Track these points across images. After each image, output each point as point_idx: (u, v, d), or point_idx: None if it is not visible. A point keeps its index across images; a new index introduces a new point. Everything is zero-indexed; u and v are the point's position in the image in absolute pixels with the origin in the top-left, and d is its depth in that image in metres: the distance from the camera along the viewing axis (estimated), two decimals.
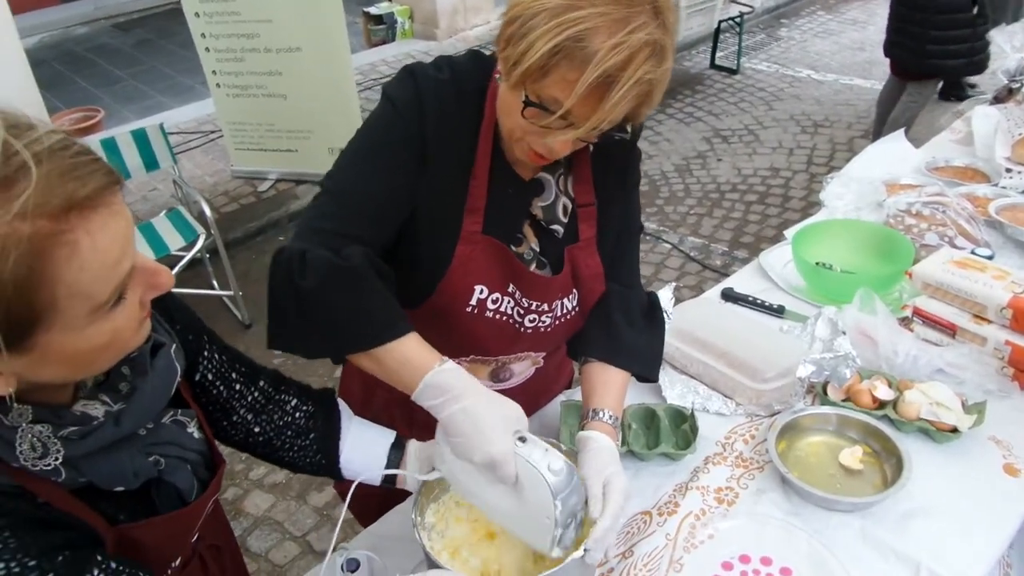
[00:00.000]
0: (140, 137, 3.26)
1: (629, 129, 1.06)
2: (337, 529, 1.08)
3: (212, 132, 5.41)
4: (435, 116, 1.09)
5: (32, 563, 0.73)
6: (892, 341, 1.53)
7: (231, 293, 3.66)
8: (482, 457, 0.94)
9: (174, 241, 3.39)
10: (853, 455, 1.36)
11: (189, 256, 3.40)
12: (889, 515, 1.26)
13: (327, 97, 4.39)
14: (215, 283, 3.82)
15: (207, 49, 4.43)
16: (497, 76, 1.06)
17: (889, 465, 1.35)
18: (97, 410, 0.81)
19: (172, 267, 3.37)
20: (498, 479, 0.96)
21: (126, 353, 0.79)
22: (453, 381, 0.99)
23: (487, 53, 1.15)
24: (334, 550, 1.07)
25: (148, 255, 3.35)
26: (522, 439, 0.96)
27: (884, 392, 1.45)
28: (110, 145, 3.20)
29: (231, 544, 1.29)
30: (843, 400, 1.47)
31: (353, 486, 1.09)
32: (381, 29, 7.18)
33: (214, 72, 4.52)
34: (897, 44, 3.96)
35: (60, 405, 0.79)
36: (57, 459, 0.75)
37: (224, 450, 1.07)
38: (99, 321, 0.70)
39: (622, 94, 0.92)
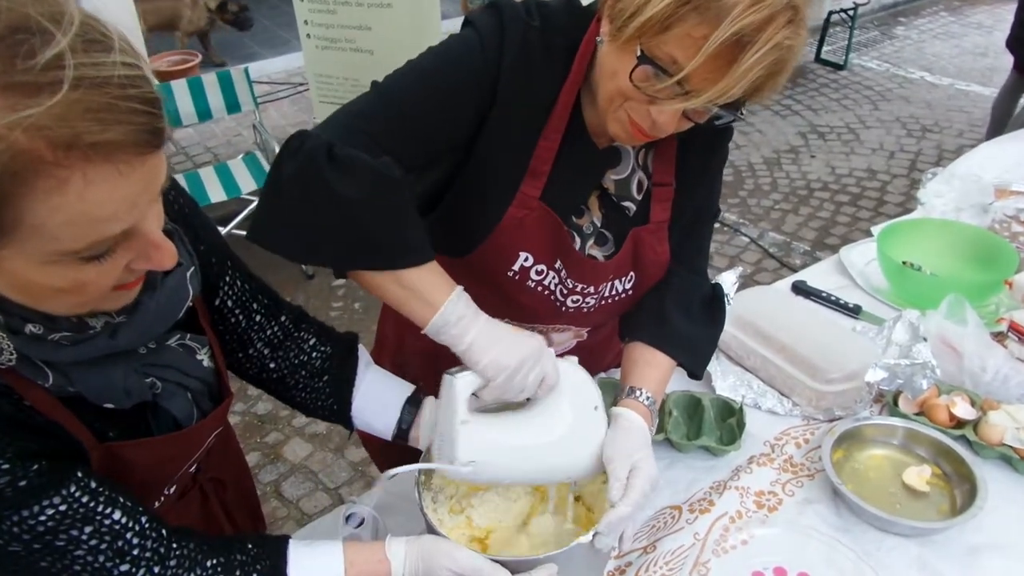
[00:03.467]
0: (224, 79, 3.31)
1: (743, 112, 0.92)
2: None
3: (300, 84, 5.48)
4: (516, 64, 0.97)
5: (5, 466, 0.70)
6: (980, 355, 1.37)
7: None
8: (529, 351, 0.91)
9: (247, 184, 3.44)
10: (920, 475, 1.22)
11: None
12: (954, 546, 1.12)
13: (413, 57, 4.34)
14: None
15: None
16: (598, 39, 0.95)
17: (961, 491, 1.20)
18: (96, 320, 0.77)
19: (241, 210, 3.43)
20: (544, 386, 0.94)
21: (95, 309, 0.74)
22: (470, 306, 0.95)
23: (583, 4, 1.04)
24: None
25: (220, 196, 3.41)
26: None
27: (964, 410, 1.29)
28: (196, 84, 3.25)
29: (242, 481, 1.25)
30: (916, 414, 1.32)
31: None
32: None
33: (306, 22, 4.53)
34: (1020, 37, 3.62)
35: None
36: (11, 360, 0.71)
37: (269, 396, 1.04)
38: (62, 266, 0.64)
39: (755, 59, 0.81)
